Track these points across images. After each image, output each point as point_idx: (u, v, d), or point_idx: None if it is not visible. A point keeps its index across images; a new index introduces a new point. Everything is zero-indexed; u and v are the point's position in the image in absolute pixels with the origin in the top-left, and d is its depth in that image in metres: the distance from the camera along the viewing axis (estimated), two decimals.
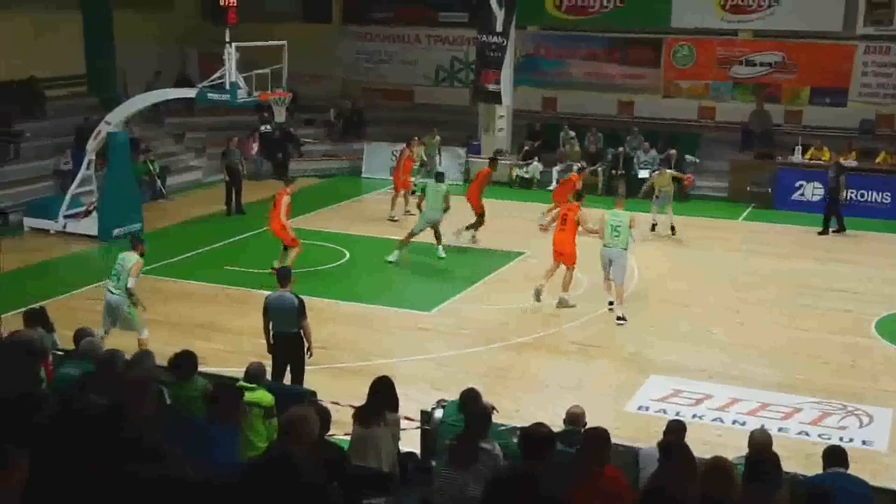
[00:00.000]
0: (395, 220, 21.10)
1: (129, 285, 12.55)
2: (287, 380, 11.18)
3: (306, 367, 11.42)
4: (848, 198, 21.40)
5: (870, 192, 22.65)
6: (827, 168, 21.80)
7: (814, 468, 7.52)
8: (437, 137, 25.36)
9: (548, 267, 15.86)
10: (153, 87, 23.81)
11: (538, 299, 15.46)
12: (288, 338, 11.29)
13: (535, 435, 6.28)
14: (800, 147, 23.92)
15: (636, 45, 27.57)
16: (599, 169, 24.99)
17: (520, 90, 27.11)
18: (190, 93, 20.40)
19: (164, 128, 27.12)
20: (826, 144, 23.99)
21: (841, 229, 20.72)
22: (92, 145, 19.86)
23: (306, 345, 11.35)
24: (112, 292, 12.68)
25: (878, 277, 17.49)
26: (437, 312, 15.31)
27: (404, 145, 22.92)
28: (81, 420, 5.43)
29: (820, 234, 20.65)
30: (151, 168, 23.41)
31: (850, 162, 22.32)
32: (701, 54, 26.82)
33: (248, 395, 8.25)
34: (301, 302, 11.34)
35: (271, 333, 11.41)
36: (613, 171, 24.80)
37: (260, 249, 17.92)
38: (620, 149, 25.29)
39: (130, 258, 12.72)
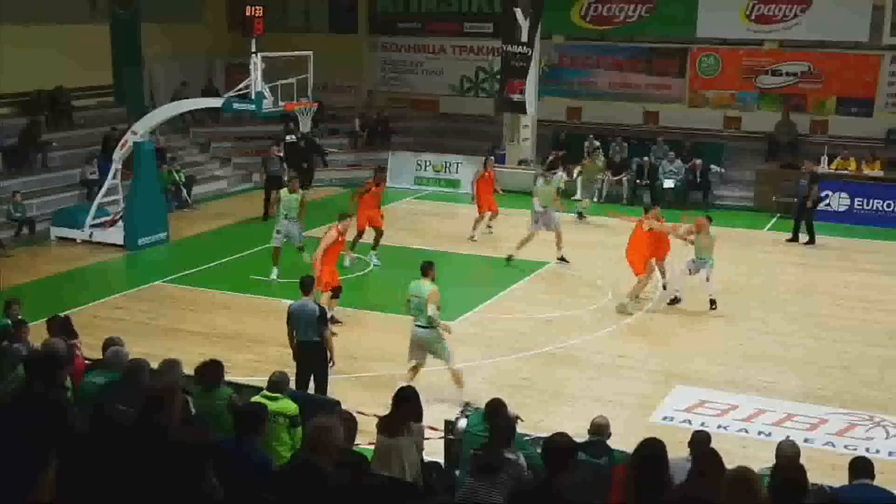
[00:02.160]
0: (475, 240, 20.40)
1: (429, 314, 11.82)
2: (311, 388, 11.22)
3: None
4: (816, 206, 20.97)
5: None
6: (854, 178, 21.63)
7: (839, 479, 7.46)
8: (602, 159, 24.28)
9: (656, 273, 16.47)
10: (180, 98, 24.04)
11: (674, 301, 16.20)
12: (310, 346, 11.35)
13: (557, 445, 6.27)
14: (826, 157, 23.82)
15: (661, 54, 27.54)
16: (625, 179, 24.99)
17: (545, 100, 27.15)
18: (216, 102, 20.57)
19: (190, 137, 27.33)
20: (852, 154, 23.92)
21: (811, 241, 20.46)
22: (118, 155, 20.02)
23: (328, 354, 11.39)
24: (420, 327, 11.94)
25: None
26: (461, 322, 15.30)
27: (483, 160, 22.05)
28: (113, 428, 5.49)
29: (788, 241, 20.56)
30: (176, 177, 23.57)
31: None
32: (726, 64, 26.75)
33: (271, 405, 8.28)
34: (323, 310, 11.40)
35: (295, 341, 11.47)
36: (638, 181, 24.77)
37: (285, 259, 17.96)
38: (645, 158, 25.24)
39: (424, 287, 11.95)
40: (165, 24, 26.81)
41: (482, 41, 29.08)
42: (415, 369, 12.15)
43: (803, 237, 20.60)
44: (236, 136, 27.60)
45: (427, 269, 12.12)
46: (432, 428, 9.06)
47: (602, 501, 6.98)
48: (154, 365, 8.45)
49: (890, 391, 12.74)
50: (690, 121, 26.88)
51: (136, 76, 26.67)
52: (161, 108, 20.99)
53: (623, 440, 7.77)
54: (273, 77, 18.84)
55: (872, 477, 7.05)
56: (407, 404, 8.00)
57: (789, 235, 20.74)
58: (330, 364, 11.43)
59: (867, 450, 10.57)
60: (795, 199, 21.11)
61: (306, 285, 11.73)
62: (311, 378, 11.35)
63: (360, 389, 12.13)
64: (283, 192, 17.90)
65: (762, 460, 7.32)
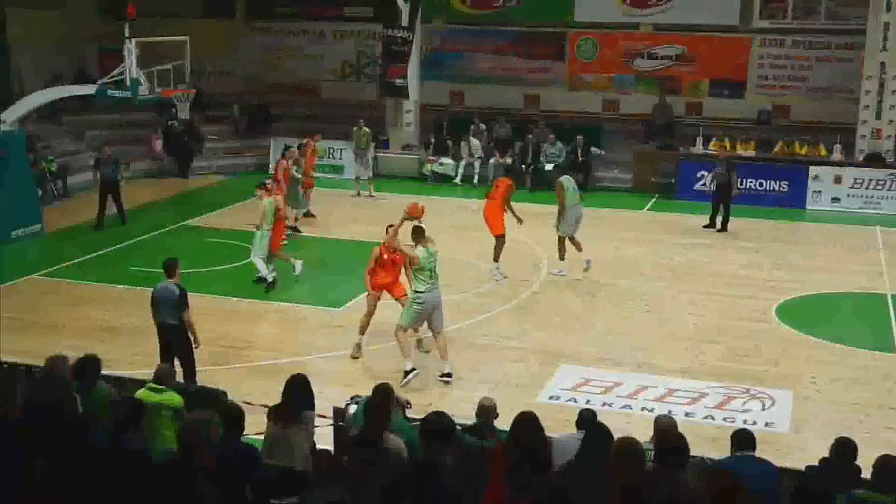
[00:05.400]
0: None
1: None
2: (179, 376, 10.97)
3: (219, 367, 11.28)
4: (738, 190, 21.03)
5: (767, 182, 23.30)
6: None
7: (720, 451, 7.70)
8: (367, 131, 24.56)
9: None
10: (51, 86, 23.21)
11: None
12: (170, 329, 11.22)
13: (433, 426, 6.26)
14: (701, 138, 24.50)
15: (541, 38, 27.84)
16: (509, 161, 25.13)
17: (427, 84, 27.18)
18: (89, 90, 19.96)
19: (63, 126, 26.41)
20: (726, 135, 24.67)
21: (723, 228, 20.54)
22: None
23: (192, 337, 11.26)
24: (437, 289, 12.32)
25: (777, 264, 18.01)
26: (348, 308, 15.21)
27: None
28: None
29: (706, 227, 20.68)
30: (46, 167, 22.73)
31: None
32: (604, 48, 27.22)
33: (156, 397, 8.19)
34: (183, 292, 11.26)
35: (157, 324, 11.33)
36: (523, 165, 24.94)
37: (167, 249, 17.56)
38: (529, 136, 25.39)
39: (436, 252, 12.42)
40: (30, 8, 25.75)
41: (362, 25, 28.87)
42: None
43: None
44: (111, 123, 26.81)
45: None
46: (321, 416, 8.98)
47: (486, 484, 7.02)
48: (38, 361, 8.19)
49: (763, 364, 13.20)
50: (571, 104, 27.27)
51: (2, 63, 25.61)
52: (31, 96, 20.26)
53: (510, 422, 7.85)
54: (149, 63, 18.37)
55: (754, 448, 7.28)
56: (298, 392, 7.91)
57: (665, 216, 21.15)
58: (196, 347, 11.30)
59: (745, 421, 10.92)
60: (673, 182, 21.46)
61: (170, 268, 11.50)
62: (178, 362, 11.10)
63: (247, 379, 11.96)
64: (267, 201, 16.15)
65: (646, 435, 7.48)
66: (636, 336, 14.24)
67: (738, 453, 7.23)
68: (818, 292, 16.49)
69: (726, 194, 20.61)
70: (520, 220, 17.05)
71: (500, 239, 16.68)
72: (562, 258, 16.99)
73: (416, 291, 12.17)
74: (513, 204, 17.05)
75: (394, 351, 13.42)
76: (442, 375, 12.30)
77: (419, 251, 12.12)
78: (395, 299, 13.28)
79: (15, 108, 19.41)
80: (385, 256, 13.06)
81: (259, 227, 15.94)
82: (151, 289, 12.14)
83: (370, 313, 13.20)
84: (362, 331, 13.21)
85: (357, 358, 13.10)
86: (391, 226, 12.94)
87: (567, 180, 17.19)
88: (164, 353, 11.19)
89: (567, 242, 16.91)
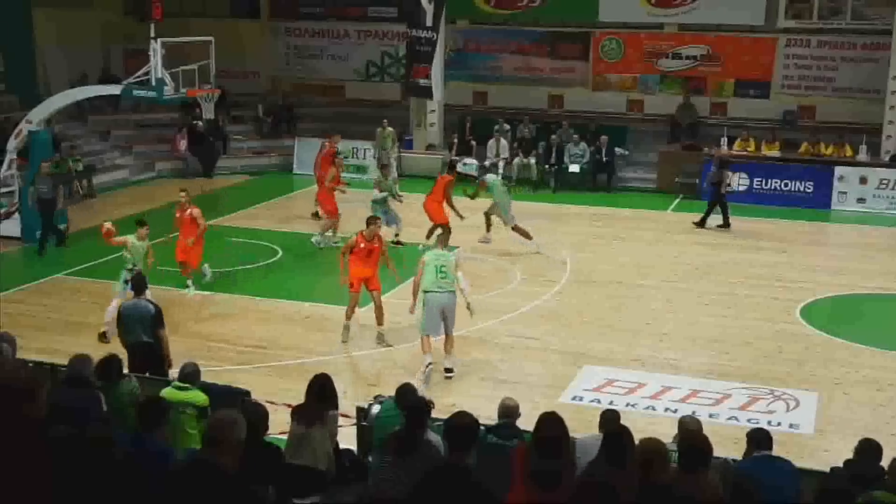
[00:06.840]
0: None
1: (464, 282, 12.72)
2: None
3: (242, 367, 11.30)
4: (728, 189, 20.99)
5: (792, 182, 23.15)
6: (754, 159, 22.02)
7: (743, 453, 7.66)
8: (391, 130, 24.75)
9: None
10: (77, 86, 23.38)
11: None
12: (142, 347, 10.72)
13: (457, 424, 6.26)
14: (725, 138, 24.38)
15: (565, 38, 27.74)
16: (532, 161, 25.09)
17: (451, 85, 27.17)
18: (115, 90, 20.06)
19: (89, 126, 26.61)
20: (751, 135, 24.54)
21: (725, 224, 20.56)
22: (13, 145, 19.40)
23: (166, 355, 10.80)
24: (450, 292, 12.47)
25: (802, 265, 17.91)
26: (370, 309, 15.23)
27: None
28: None
29: (696, 224, 20.61)
30: (71, 166, 22.88)
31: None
32: (629, 48, 27.11)
33: (181, 395, 8.24)
34: (158, 310, 10.89)
35: (128, 343, 10.83)
36: (546, 165, 24.92)
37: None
38: (553, 137, 25.38)
39: (448, 254, 12.75)
40: (57, 8, 25.94)
41: (387, 26, 28.89)
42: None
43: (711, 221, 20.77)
44: (137, 123, 27.02)
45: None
46: (344, 415, 9.01)
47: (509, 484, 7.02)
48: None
49: (788, 365, 13.13)
50: (595, 104, 27.15)
51: (28, 64, 25.81)
52: (57, 96, 20.37)
53: (533, 422, 7.84)
54: (174, 63, 18.46)
55: (771, 447, 7.24)
56: (321, 392, 7.94)
57: (695, 217, 20.97)
58: (167, 366, 10.77)
59: (769, 423, 10.83)
60: (698, 183, 21.37)
61: (138, 285, 11.24)
62: None
63: (270, 378, 12.00)
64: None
65: (669, 436, 7.45)
66: (660, 337, 14.19)
67: (756, 453, 7.20)
68: (843, 293, 16.39)
69: (718, 192, 20.65)
70: (460, 216, 18.08)
71: (445, 227, 16.75)
72: (529, 237, 18.05)
73: (423, 291, 12.48)
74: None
75: (416, 350, 13.46)
76: (446, 370, 12.44)
77: (427, 255, 12.65)
78: (369, 291, 13.76)
79: (41, 109, 19.52)
80: (362, 246, 13.55)
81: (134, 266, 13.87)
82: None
83: (353, 306, 13.72)
84: (348, 317, 13.74)
85: (345, 342, 13.55)
86: (373, 216, 14.10)
87: (491, 178, 18.99)
88: (133, 371, 10.40)
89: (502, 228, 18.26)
